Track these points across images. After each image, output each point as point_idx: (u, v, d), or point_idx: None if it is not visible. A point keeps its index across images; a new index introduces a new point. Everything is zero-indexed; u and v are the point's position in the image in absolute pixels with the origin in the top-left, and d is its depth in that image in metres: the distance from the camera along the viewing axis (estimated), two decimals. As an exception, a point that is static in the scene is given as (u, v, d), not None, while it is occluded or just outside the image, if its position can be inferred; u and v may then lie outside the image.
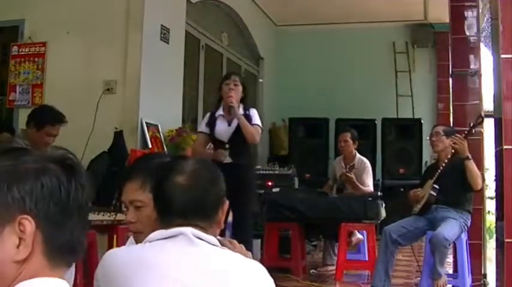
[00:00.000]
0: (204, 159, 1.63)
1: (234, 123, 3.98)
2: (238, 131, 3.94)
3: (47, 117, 3.68)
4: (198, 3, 6.12)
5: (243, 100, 4.09)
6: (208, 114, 4.21)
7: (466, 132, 4.11)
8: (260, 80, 8.43)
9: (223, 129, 4.01)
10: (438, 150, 4.28)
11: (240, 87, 4.04)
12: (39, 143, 3.72)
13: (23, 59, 5.02)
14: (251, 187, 3.91)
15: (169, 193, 1.39)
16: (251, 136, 3.90)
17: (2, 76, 5.23)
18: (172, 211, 1.39)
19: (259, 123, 4.05)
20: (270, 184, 5.53)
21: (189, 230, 1.35)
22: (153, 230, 1.41)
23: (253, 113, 4.06)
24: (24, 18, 5.07)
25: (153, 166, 1.58)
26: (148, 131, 4.75)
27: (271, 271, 1.44)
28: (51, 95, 4.86)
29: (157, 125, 4.95)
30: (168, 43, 5.21)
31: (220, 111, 4.07)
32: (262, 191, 5.38)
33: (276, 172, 6.51)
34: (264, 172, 6.23)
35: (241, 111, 4.00)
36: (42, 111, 3.81)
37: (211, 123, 4.07)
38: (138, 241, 1.60)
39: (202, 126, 4.18)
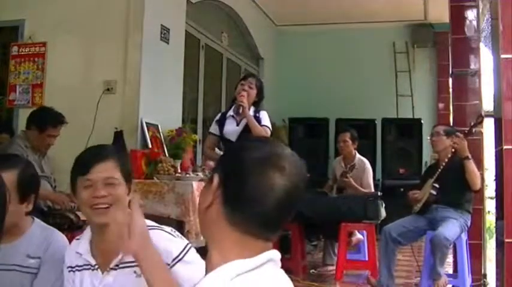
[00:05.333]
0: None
1: (242, 123, 4.04)
2: (245, 131, 3.97)
3: (48, 119, 3.68)
4: (198, 3, 6.12)
5: (256, 104, 4.13)
6: (219, 114, 4.30)
7: (466, 131, 4.11)
8: (260, 80, 8.42)
9: (231, 129, 4.07)
10: (438, 150, 4.29)
11: (255, 91, 4.11)
12: (41, 144, 3.72)
13: (23, 59, 5.01)
14: None
15: (270, 198, 1.00)
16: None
17: (2, 76, 5.22)
18: (267, 223, 1.02)
19: (269, 125, 4.08)
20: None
21: (275, 254, 1.04)
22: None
23: (263, 115, 4.10)
24: (24, 18, 5.06)
25: (122, 149, 1.68)
26: (148, 131, 4.74)
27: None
28: (51, 95, 4.86)
29: (157, 125, 4.95)
30: (168, 43, 5.20)
31: (231, 112, 4.13)
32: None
33: (276, 172, 6.50)
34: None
35: (251, 112, 4.04)
36: (42, 113, 3.81)
37: (221, 123, 4.12)
38: (101, 218, 1.70)
39: (212, 126, 4.26)
